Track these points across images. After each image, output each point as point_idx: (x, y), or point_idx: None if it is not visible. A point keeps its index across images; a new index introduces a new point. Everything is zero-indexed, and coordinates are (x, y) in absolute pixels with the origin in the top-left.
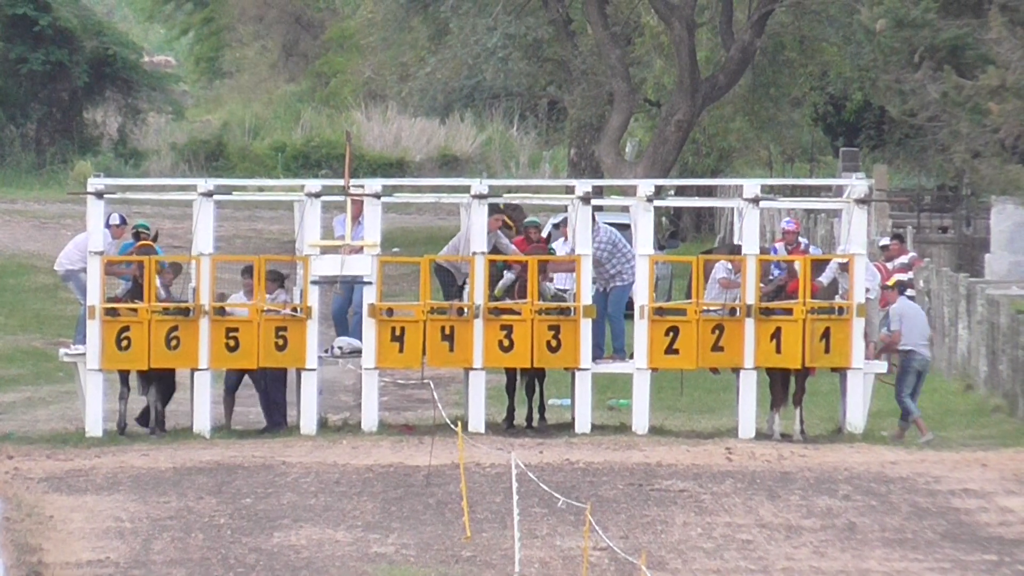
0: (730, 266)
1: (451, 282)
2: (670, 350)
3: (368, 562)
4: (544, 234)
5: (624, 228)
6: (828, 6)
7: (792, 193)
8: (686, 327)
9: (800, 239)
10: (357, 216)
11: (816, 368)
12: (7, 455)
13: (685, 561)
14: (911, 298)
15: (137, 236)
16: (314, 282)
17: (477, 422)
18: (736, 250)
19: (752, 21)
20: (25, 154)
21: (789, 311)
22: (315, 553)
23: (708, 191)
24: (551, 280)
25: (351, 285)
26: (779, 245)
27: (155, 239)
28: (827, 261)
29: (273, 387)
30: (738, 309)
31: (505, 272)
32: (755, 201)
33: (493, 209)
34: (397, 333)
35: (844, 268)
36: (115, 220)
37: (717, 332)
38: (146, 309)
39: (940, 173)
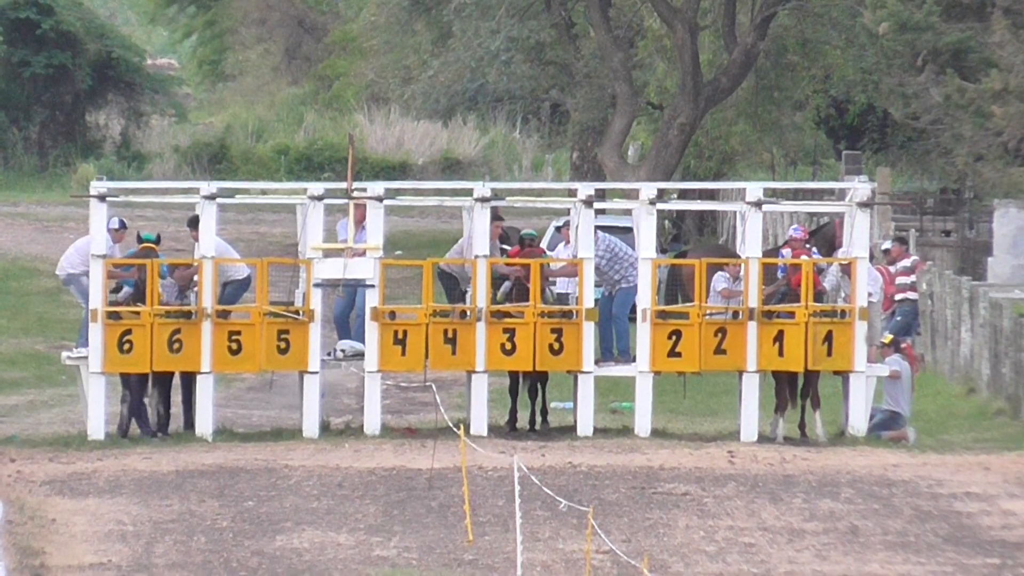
0: (728, 275)
1: (454, 287)
2: (673, 353)
3: (370, 565)
4: (547, 236)
5: (626, 232)
6: (831, 9)
7: (795, 196)
8: (688, 330)
9: (809, 246)
10: (361, 220)
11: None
12: (9, 458)
13: (687, 564)
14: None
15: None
16: (317, 285)
17: (479, 425)
18: (717, 251)
19: (755, 24)
20: (28, 157)
21: (791, 314)
22: (317, 556)
23: (711, 194)
24: (553, 284)
25: (354, 288)
26: (786, 251)
27: (157, 242)
28: (829, 265)
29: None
30: (740, 312)
31: (505, 282)
32: (758, 204)
33: (495, 215)
34: (400, 336)
35: (846, 272)
36: (114, 224)
37: (720, 335)
38: (148, 312)
39: (943, 176)
